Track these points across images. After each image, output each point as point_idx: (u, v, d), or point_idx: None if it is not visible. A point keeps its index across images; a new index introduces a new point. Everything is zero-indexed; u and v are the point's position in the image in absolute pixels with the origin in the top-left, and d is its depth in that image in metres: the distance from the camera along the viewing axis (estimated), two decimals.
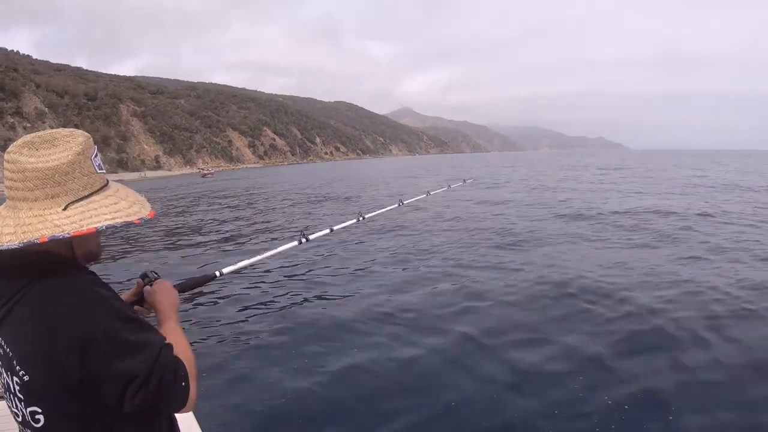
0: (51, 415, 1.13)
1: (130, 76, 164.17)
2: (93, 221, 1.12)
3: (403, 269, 9.10)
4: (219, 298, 7.74)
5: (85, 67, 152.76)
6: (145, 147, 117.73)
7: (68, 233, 1.08)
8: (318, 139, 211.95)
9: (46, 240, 1.06)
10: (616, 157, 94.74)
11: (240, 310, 7.19)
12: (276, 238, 13.47)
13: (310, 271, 9.37)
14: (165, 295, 1.49)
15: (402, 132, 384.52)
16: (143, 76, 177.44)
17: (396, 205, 3.60)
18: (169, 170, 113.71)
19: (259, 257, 2.27)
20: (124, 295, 1.50)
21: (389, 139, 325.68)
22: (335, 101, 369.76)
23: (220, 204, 25.36)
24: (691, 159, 75.08)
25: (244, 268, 2.21)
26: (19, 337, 1.13)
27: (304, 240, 2.45)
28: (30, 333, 1.11)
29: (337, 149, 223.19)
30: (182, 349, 1.28)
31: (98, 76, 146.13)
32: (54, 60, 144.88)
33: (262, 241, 13.72)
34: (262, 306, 7.37)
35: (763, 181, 27.77)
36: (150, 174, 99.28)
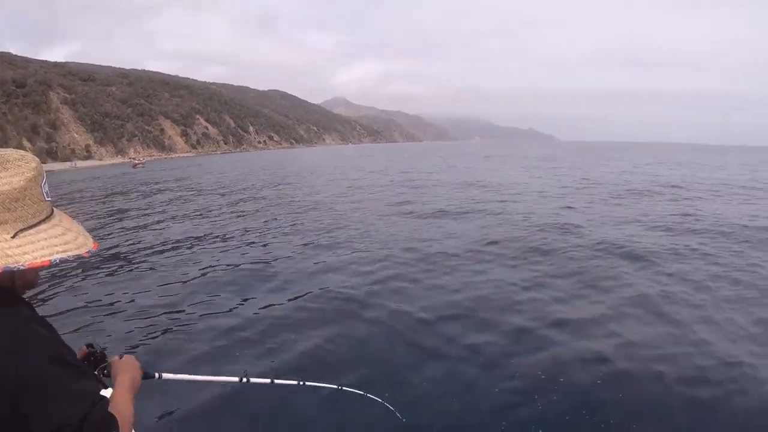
0: None
1: (61, 63, 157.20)
2: (46, 253, 1.11)
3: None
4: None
5: (13, 53, 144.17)
6: (76, 136, 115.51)
7: (23, 265, 1.07)
8: (251, 128, 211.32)
9: (0, 271, 1.04)
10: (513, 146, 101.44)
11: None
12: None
13: None
14: (130, 373, 1.49)
15: (335, 121, 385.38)
16: (75, 62, 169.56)
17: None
18: (100, 160, 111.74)
19: (199, 377, 2.36)
20: None
21: (323, 129, 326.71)
22: (269, 90, 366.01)
23: (152, 209, 20.99)
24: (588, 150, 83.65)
25: (181, 381, 2.19)
26: None
27: (245, 380, 2.41)
28: None
29: (271, 138, 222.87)
30: (124, 413, 1.24)
31: (27, 62, 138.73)
32: None
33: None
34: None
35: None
36: (81, 164, 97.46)
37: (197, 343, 5.95)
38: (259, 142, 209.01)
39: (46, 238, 1.13)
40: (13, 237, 1.08)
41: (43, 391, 1.06)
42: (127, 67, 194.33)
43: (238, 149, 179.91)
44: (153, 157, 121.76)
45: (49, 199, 1.20)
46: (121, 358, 1.59)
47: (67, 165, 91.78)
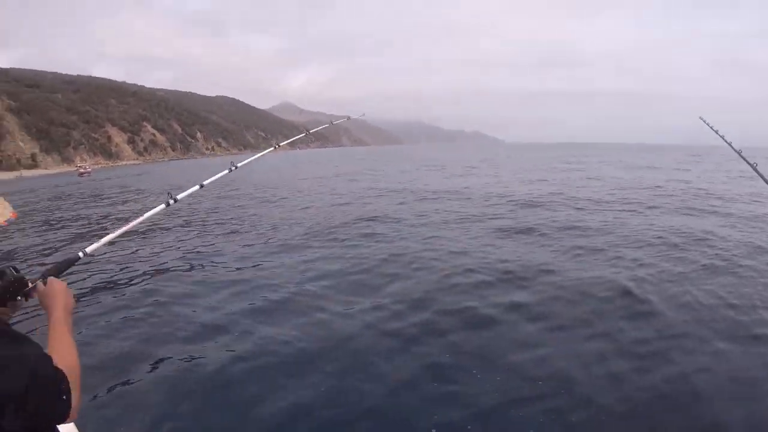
0: None
1: (4, 69, 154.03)
2: None
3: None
4: (88, 285, 7.23)
5: None
6: (21, 144, 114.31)
7: None
8: (199, 134, 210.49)
9: None
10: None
11: (114, 297, 6.79)
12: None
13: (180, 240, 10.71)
14: (61, 296, 1.37)
15: (283, 127, 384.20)
16: (19, 68, 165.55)
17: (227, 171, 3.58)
18: (46, 168, 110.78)
19: (124, 228, 2.08)
20: None
21: (270, 134, 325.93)
22: (217, 96, 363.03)
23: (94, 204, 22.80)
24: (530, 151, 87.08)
25: (110, 242, 2.01)
26: None
27: (172, 201, 2.22)
28: None
29: (219, 144, 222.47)
30: (68, 357, 1.18)
31: None
32: None
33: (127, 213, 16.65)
34: (136, 291, 7.01)
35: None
36: (26, 173, 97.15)
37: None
38: (207, 149, 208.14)
39: None
40: None
41: None
42: (74, 74, 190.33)
43: (185, 156, 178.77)
44: (100, 165, 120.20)
45: None
46: (44, 282, 1.45)
47: (12, 175, 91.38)
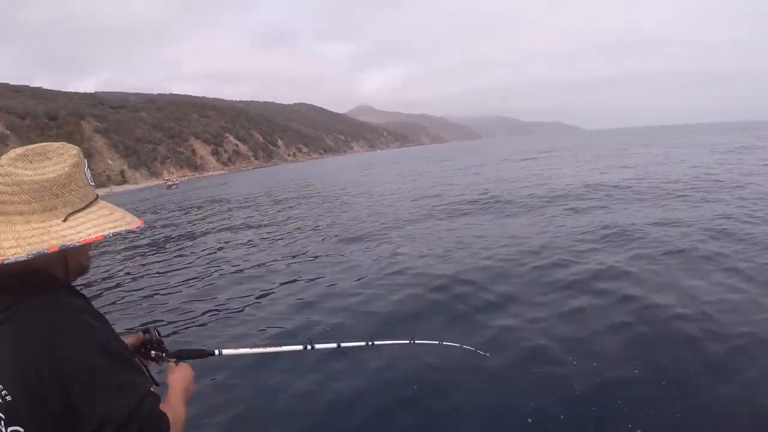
0: None
1: (90, 93, 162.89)
2: (99, 229, 1.15)
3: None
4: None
5: (45, 87, 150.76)
6: (110, 162, 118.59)
7: (78, 242, 1.10)
8: (280, 142, 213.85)
9: (56, 250, 1.08)
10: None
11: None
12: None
13: None
14: (186, 381, 1.49)
15: (362, 129, 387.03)
16: (104, 92, 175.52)
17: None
18: (135, 183, 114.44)
19: (260, 350, 2.24)
20: (126, 340, 1.47)
21: (350, 137, 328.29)
22: (295, 103, 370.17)
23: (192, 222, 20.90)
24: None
25: (243, 355, 2.14)
26: (3, 357, 1.08)
27: (309, 347, 2.27)
28: (14, 355, 1.08)
29: (300, 150, 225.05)
30: (176, 413, 1.27)
31: (58, 94, 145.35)
32: (13, 83, 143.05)
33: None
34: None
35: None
36: (117, 189, 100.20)
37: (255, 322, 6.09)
38: (289, 155, 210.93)
39: (96, 218, 1.18)
40: (64, 221, 1.13)
41: (90, 383, 1.06)
42: (155, 93, 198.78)
43: (268, 163, 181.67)
44: (186, 177, 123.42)
45: (92, 183, 1.23)
46: (176, 363, 1.58)
47: (103, 191, 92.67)
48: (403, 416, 3.71)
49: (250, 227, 15.87)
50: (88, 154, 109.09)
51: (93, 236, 1.12)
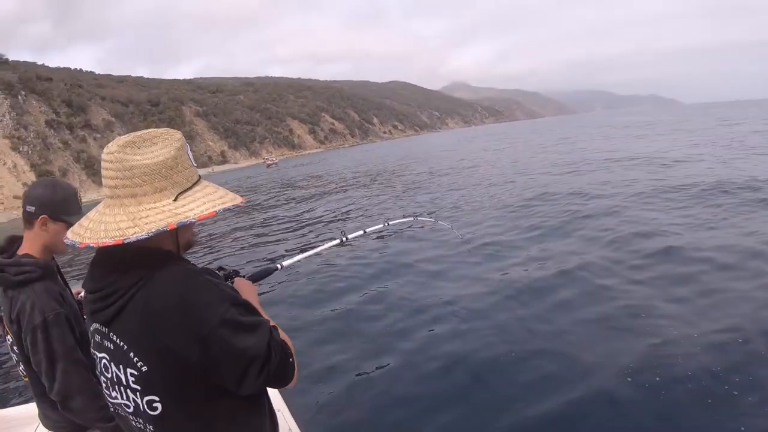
0: (169, 402, 1.17)
1: (189, 79, 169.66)
2: (210, 206, 1.20)
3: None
4: (281, 289, 7.95)
5: (146, 76, 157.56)
6: (210, 144, 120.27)
7: (194, 218, 1.15)
8: (375, 120, 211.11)
9: (174, 227, 1.13)
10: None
11: (307, 303, 7.20)
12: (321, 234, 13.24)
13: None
14: (248, 292, 1.50)
15: (456, 105, 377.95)
16: (202, 78, 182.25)
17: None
18: (236, 163, 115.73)
19: (308, 253, 2.38)
20: None
21: (444, 113, 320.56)
22: (389, 81, 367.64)
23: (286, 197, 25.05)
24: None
25: (299, 261, 2.33)
26: (137, 330, 1.16)
27: (344, 239, 2.61)
28: (149, 326, 1.14)
29: (395, 127, 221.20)
30: (280, 331, 1.32)
31: (159, 82, 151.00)
32: (116, 73, 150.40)
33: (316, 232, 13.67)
34: (326, 296, 7.39)
35: None
36: (217, 168, 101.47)
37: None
38: (384, 132, 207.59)
39: (203, 196, 1.24)
40: (175, 200, 1.20)
41: (228, 333, 1.14)
42: (251, 76, 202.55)
43: (364, 141, 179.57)
44: (284, 156, 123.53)
45: (195, 165, 1.30)
46: (230, 281, 1.65)
47: (204, 171, 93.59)
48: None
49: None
50: (189, 137, 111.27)
51: (206, 212, 1.18)
